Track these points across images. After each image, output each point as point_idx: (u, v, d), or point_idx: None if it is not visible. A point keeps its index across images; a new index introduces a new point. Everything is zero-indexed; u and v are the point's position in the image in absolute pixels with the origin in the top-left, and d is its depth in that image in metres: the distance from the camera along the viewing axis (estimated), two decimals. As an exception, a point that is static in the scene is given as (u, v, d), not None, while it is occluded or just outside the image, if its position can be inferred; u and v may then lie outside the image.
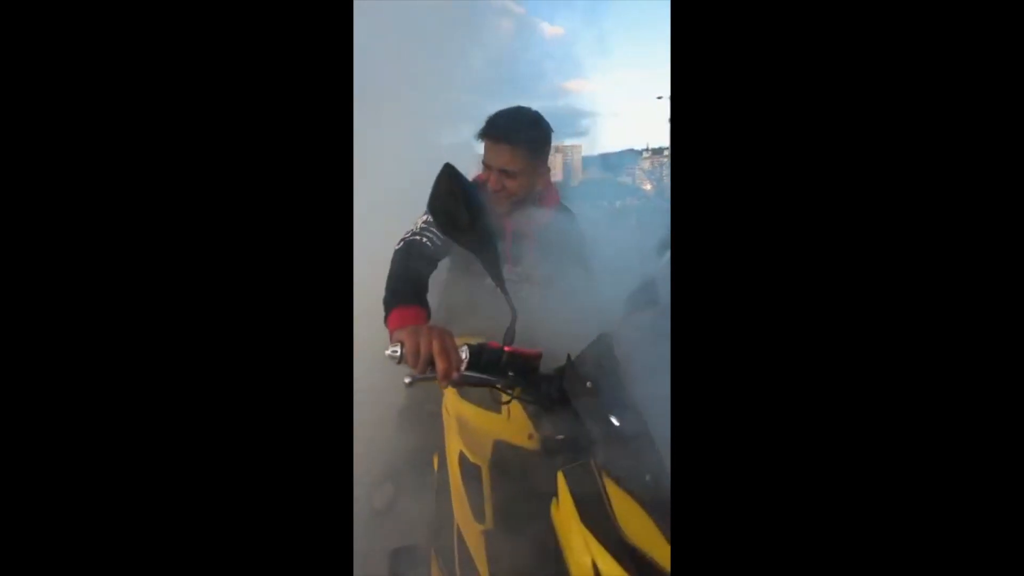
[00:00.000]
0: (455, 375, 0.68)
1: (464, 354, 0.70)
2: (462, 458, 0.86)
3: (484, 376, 0.72)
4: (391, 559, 1.04)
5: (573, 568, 0.65)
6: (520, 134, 0.97)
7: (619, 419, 0.76)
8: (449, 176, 0.62)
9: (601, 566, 0.62)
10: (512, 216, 1.05)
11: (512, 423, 0.88)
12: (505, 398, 0.77)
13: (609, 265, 1.16)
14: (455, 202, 0.63)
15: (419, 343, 0.67)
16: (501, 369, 0.72)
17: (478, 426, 0.91)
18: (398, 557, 1.04)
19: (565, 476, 0.70)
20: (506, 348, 0.73)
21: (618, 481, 0.69)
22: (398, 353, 0.68)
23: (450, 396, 1.01)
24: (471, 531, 0.81)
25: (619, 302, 1.05)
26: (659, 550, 0.64)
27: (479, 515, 0.80)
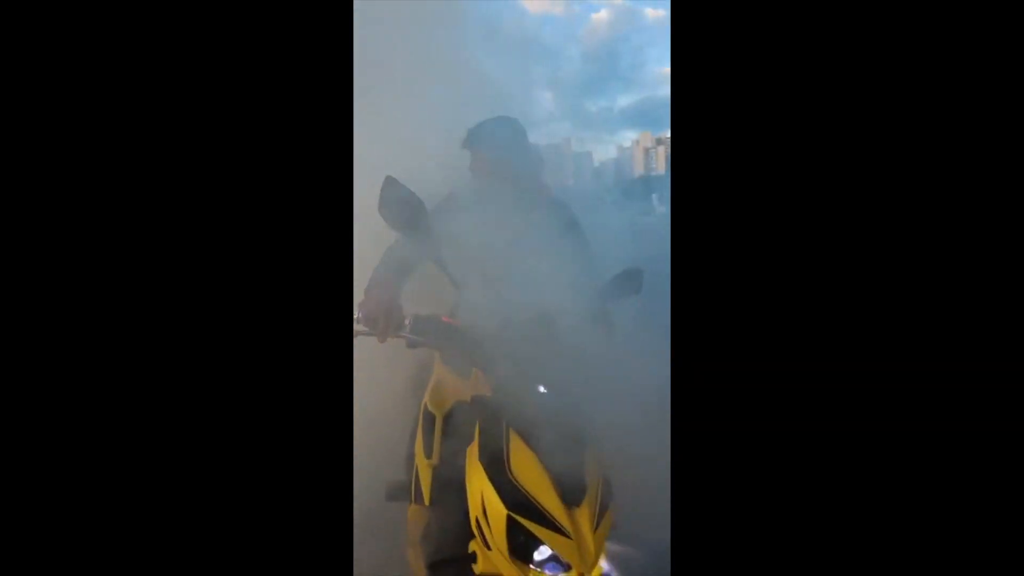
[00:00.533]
0: (391, 333, 0.87)
1: (408, 320, 0.89)
2: (424, 407, 1.06)
3: (421, 338, 0.90)
4: (387, 490, 1.26)
5: (469, 495, 0.81)
6: (493, 142, 1.12)
7: (546, 388, 0.90)
8: (390, 186, 0.80)
9: (486, 495, 0.78)
10: (504, 213, 1.20)
11: (473, 386, 1.05)
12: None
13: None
14: (396, 206, 0.81)
15: (371, 308, 0.87)
16: (438, 334, 0.90)
17: (447, 386, 1.09)
18: (393, 488, 1.26)
19: (480, 425, 0.86)
20: (443, 319, 0.91)
21: (521, 435, 0.84)
22: (355, 315, 0.88)
23: (438, 361, 1.21)
24: (423, 464, 1.00)
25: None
26: (543, 493, 0.78)
27: (429, 452, 0.99)
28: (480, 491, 0.79)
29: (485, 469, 0.80)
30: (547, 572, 0.75)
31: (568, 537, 0.75)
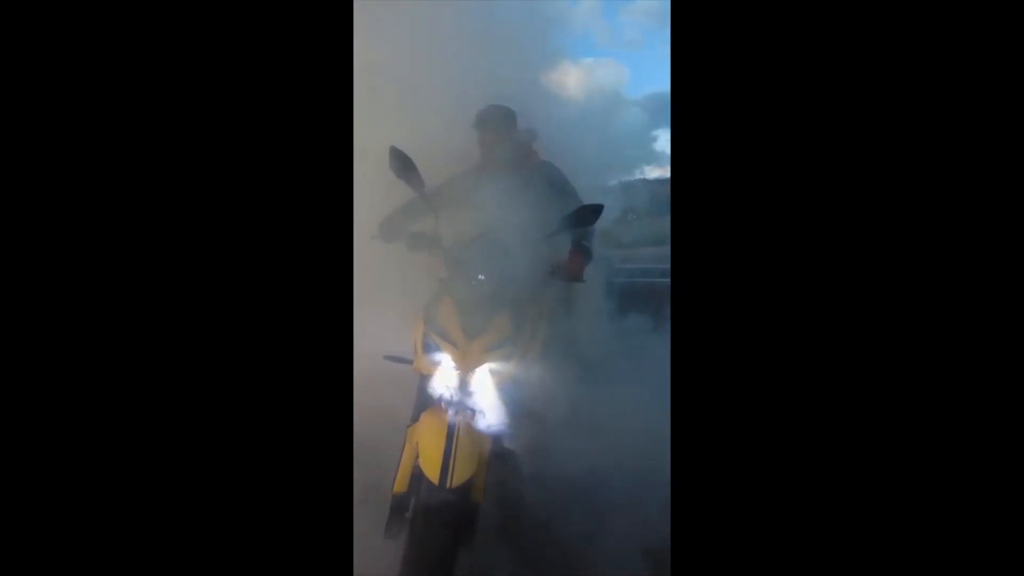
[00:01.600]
0: (395, 239, 1.44)
1: (406, 234, 1.43)
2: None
3: (414, 243, 1.43)
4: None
5: (412, 330, 1.33)
6: (490, 122, 1.62)
7: (484, 276, 1.35)
8: (395, 152, 1.34)
9: (417, 326, 1.29)
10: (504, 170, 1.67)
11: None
12: None
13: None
14: (399, 163, 1.35)
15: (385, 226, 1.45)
16: (422, 242, 1.42)
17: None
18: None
19: (433, 296, 1.37)
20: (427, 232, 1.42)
21: (453, 298, 1.32)
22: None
23: None
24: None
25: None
26: (448, 323, 1.31)
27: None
28: (416, 325, 1.31)
29: (423, 314, 1.31)
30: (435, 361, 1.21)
31: (457, 348, 1.21)
